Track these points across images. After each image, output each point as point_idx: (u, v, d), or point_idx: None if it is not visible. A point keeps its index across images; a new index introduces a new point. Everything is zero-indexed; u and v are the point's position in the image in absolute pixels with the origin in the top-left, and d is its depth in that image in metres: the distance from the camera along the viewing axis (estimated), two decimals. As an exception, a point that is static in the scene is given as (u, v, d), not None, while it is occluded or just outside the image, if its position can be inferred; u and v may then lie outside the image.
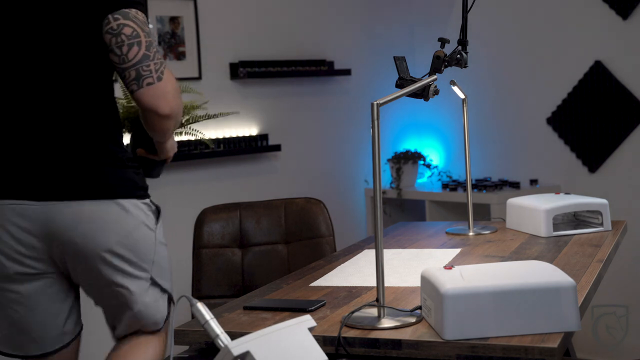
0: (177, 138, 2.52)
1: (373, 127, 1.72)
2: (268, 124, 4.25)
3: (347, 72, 4.53)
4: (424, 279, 1.74)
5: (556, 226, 2.64)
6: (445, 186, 4.53)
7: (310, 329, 1.36)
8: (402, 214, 4.80)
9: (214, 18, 4.02)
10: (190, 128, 3.10)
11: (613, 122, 4.16)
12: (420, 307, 1.77)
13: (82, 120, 2.02)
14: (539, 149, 4.47)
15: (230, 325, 1.80)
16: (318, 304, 1.90)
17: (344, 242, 3.39)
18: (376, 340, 1.65)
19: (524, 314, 1.59)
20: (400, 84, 2.07)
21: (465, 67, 2.24)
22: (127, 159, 2.07)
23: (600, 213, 2.67)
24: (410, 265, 2.29)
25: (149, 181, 2.20)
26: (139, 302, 2.05)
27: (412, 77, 2.08)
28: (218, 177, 4.07)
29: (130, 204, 2.02)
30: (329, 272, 2.29)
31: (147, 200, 2.08)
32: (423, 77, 2.06)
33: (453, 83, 2.69)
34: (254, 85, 4.19)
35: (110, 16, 1.95)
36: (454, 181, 4.59)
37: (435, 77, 2.05)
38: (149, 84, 1.96)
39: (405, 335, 1.65)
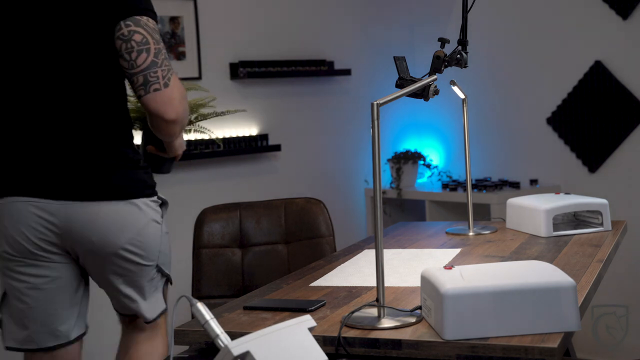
0: (185, 137, 2.56)
1: (373, 127, 1.72)
2: (268, 124, 4.25)
3: (347, 72, 4.53)
4: (424, 279, 1.74)
5: (556, 226, 2.64)
6: (445, 186, 4.53)
7: (310, 329, 1.36)
8: (402, 214, 4.80)
9: (214, 18, 4.02)
10: (199, 126, 3.14)
11: (613, 122, 4.16)
12: (420, 307, 1.77)
13: (96, 124, 2.14)
14: (539, 149, 4.47)
15: (230, 325, 1.80)
16: (318, 304, 1.90)
17: (344, 242, 3.39)
18: (376, 340, 1.65)
19: (524, 314, 1.59)
20: (400, 84, 2.07)
21: (465, 67, 2.24)
22: (138, 160, 2.21)
23: (600, 213, 2.67)
24: (410, 265, 2.29)
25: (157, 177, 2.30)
26: (143, 291, 2.24)
27: (412, 77, 2.08)
28: (218, 177, 4.07)
29: (141, 202, 2.17)
30: (329, 272, 2.29)
31: (155, 197, 2.23)
32: (423, 77, 2.06)
33: (453, 83, 2.69)
34: (254, 85, 4.19)
35: (122, 22, 2.07)
36: (454, 181, 4.59)
37: (435, 77, 2.05)
38: (155, 90, 2.07)
39: (405, 335, 1.65)
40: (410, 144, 4.91)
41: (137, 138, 2.33)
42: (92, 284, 2.36)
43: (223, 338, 1.33)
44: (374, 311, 1.76)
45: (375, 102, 1.72)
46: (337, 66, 4.52)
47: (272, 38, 4.27)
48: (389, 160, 4.72)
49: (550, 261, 2.16)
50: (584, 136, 4.28)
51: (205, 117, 3.11)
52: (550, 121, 4.40)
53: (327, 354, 1.36)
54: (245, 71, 4.07)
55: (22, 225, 2.12)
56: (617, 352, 3.83)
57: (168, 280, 2.35)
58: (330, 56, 4.50)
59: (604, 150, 4.21)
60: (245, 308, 1.93)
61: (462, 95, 2.74)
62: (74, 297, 2.24)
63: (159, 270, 2.27)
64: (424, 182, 4.84)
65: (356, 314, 1.76)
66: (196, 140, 3.82)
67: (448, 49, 2.14)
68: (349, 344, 1.66)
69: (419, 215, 4.80)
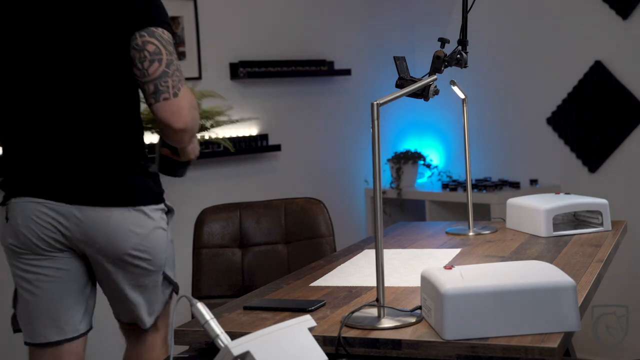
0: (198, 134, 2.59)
1: (373, 127, 1.72)
2: (268, 124, 4.25)
3: (347, 72, 4.53)
4: (424, 279, 1.74)
5: (556, 226, 2.64)
6: (445, 186, 4.53)
7: (310, 329, 1.36)
8: (402, 214, 4.80)
9: (214, 18, 4.02)
10: (213, 132, 3.23)
11: (613, 122, 4.17)
12: (420, 307, 1.77)
13: (109, 132, 2.21)
14: (539, 149, 4.47)
15: (230, 325, 1.80)
16: (318, 304, 1.90)
17: (344, 242, 3.39)
18: (376, 340, 1.65)
19: (524, 314, 1.59)
20: (400, 84, 2.07)
21: (465, 67, 2.24)
22: (147, 167, 2.29)
23: (600, 213, 2.67)
24: (410, 265, 2.29)
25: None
26: (147, 295, 2.31)
27: (412, 77, 2.08)
28: (218, 177, 4.07)
29: (148, 209, 2.25)
30: (329, 272, 2.29)
31: (162, 205, 2.31)
32: (423, 77, 2.06)
33: (453, 83, 2.69)
34: (254, 85, 4.19)
35: (137, 33, 2.15)
36: (454, 181, 4.59)
37: (435, 77, 2.05)
38: (165, 99, 2.15)
39: (405, 335, 1.65)
40: (410, 144, 4.91)
41: (153, 139, 2.37)
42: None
43: (223, 338, 1.33)
44: (374, 311, 1.76)
45: (375, 102, 1.72)
46: (337, 66, 4.52)
47: (272, 38, 4.27)
48: (389, 160, 4.72)
49: (550, 261, 2.16)
50: (584, 136, 4.28)
51: (219, 124, 3.19)
52: (550, 121, 4.40)
53: (327, 354, 1.36)
54: (245, 71, 4.06)
55: (32, 223, 2.19)
56: (617, 352, 3.83)
57: (174, 290, 2.40)
58: (330, 56, 4.50)
59: (604, 150, 4.21)
60: (245, 308, 1.93)
61: (462, 95, 2.74)
62: (81, 293, 2.29)
63: (166, 277, 2.33)
64: (424, 182, 4.84)
65: (356, 314, 1.76)
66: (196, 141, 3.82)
67: (448, 49, 2.14)
68: (349, 344, 1.66)
69: (419, 215, 4.80)
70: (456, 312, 1.58)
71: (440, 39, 2.14)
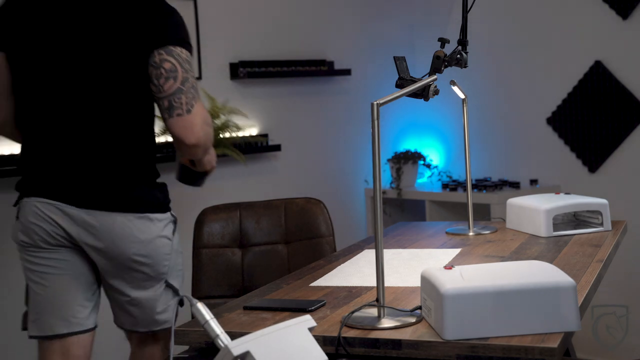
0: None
1: (373, 127, 1.72)
2: (268, 124, 4.25)
3: (347, 72, 4.53)
4: (424, 279, 1.74)
5: (556, 226, 2.64)
6: (445, 186, 4.53)
7: (310, 329, 1.36)
8: (402, 214, 4.80)
9: (214, 18, 4.02)
10: (230, 146, 3.35)
11: (613, 122, 4.17)
12: (420, 307, 1.77)
13: (122, 142, 2.30)
14: (539, 149, 4.47)
15: (230, 325, 1.80)
16: (318, 304, 1.90)
17: (344, 242, 3.39)
18: (376, 340, 1.65)
19: (524, 314, 1.59)
20: (400, 84, 2.07)
21: (465, 67, 2.24)
22: (156, 177, 2.39)
23: (600, 213, 2.67)
24: (410, 265, 2.29)
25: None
26: (152, 300, 2.37)
27: (412, 77, 2.08)
28: (218, 177, 4.06)
29: (153, 217, 2.32)
30: (329, 272, 2.29)
31: (168, 214, 2.39)
32: (423, 77, 2.06)
33: (453, 83, 2.69)
34: (254, 85, 4.19)
35: (155, 51, 2.24)
36: (454, 181, 4.59)
37: (435, 77, 2.05)
38: (178, 114, 2.23)
39: (405, 335, 1.65)
40: (410, 144, 4.91)
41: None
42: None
43: (223, 338, 1.33)
44: (374, 311, 1.76)
45: (375, 102, 1.72)
46: (337, 66, 4.52)
47: (272, 38, 4.27)
48: (389, 160, 4.72)
49: (550, 261, 2.16)
50: (584, 136, 4.28)
51: (235, 139, 3.32)
52: (550, 121, 4.40)
53: (327, 354, 1.36)
54: (245, 71, 4.06)
55: (40, 220, 2.28)
56: (617, 352, 3.83)
57: (181, 302, 2.40)
58: (330, 56, 4.50)
59: (604, 150, 4.21)
60: (245, 308, 1.93)
61: (462, 95, 2.74)
62: (88, 290, 2.37)
63: (169, 286, 2.39)
64: (424, 182, 4.84)
65: (356, 314, 1.76)
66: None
67: (448, 49, 2.14)
68: (349, 344, 1.67)
69: (419, 215, 4.80)
70: (456, 312, 1.58)
71: (440, 39, 2.14)
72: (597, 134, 4.23)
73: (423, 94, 2.04)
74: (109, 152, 2.29)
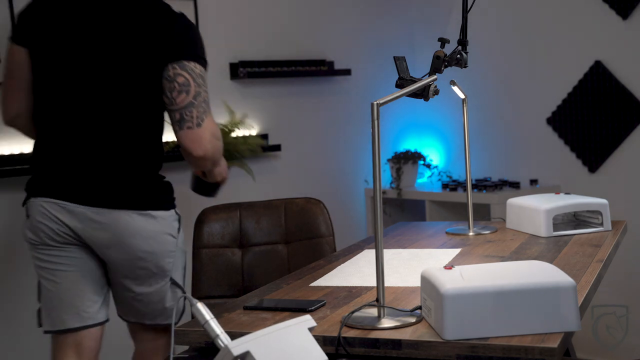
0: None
1: (373, 127, 1.72)
2: (268, 124, 4.25)
3: (347, 72, 4.53)
4: (424, 279, 1.74)
5: (556, 226, 2.64)
6: (445, 186, 4.53)
7: (310, 329, 1.36)
8: (402, 214, 4.79)
9: (214, 18, 4.02)
10: (242, 161, 3.41)
11: (613, 122, 4.16)
12: (420, 307, 1.77)
13: (131, 149, 2.37)
14: (539, 149, 4.47)
15: (230, 325, 1.80)
16: (318, 304, 1.90)
17: (344, 242, 3.39)
18: (376, 340, 1.65)
19: (524, 314, 1.59)
20: (400, 84, 2.07)
21: (465, 67, 2.24)
22: (161, 179, 2.45)
23: (600, 213, 2.67)
24: (410, 265, 2.29)
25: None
26: (154, 294, 2.43)
27: (412, 77, 2.08)
28: (218, 177, 4.07)
29: (157, 214, 2.38)
30: (329, 272, 2.29)
31: (173, 212, 2.44)
32: (423, 77, 2.06)
33: (453, 83, 2.69)
34: (254, 85, 4.19)
35: (170, 65, 2.32)
36: (454, 181, 4.59)
37: (435, 77, 2.05)
38: (188, 127, 2.31)
39: (405, 335, 1.65)
40: (410, 144, 4.91)
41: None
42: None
43: (223, 338, 1.33)
44: (374, 311, 1.76)
45: (375, 102, 1.72)
46: (337, 66, 4.52)
47: (272, 38, 4.27)
48: (389, 160, 4.72)
49: (550, 261, 2.16)
50: (584, 136, 4.28)
51: (250, 153, 3.59)
52: (550, 121, 4.40)
53: (327, 354, 1.36)
54: (245, 71, 4.06)
55: (46, 219, 2.35)
56: (617, 352, 3.83)
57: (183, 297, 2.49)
58: (330, 56, 4.50)
59: (604, 150, 4.21)
60: (245, 308, 1.93)
61: (462, 95, 2.74)
62: (97, 285, 2.44)
63: (174, 283, 2.45)
64: (424, 182, 4.84)
65: (356, 314, 1.76)
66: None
67: (448, 49, 2.14)
68: (349, 344, 1.67)
69: (419, 215, 4.80)
70: (456, 312, 1.58)
71: (440, 39, 2.14)
72: (597, 134, 4.23)
73: (423, 94, 2.04)
74: (116, 153, 2.35)
